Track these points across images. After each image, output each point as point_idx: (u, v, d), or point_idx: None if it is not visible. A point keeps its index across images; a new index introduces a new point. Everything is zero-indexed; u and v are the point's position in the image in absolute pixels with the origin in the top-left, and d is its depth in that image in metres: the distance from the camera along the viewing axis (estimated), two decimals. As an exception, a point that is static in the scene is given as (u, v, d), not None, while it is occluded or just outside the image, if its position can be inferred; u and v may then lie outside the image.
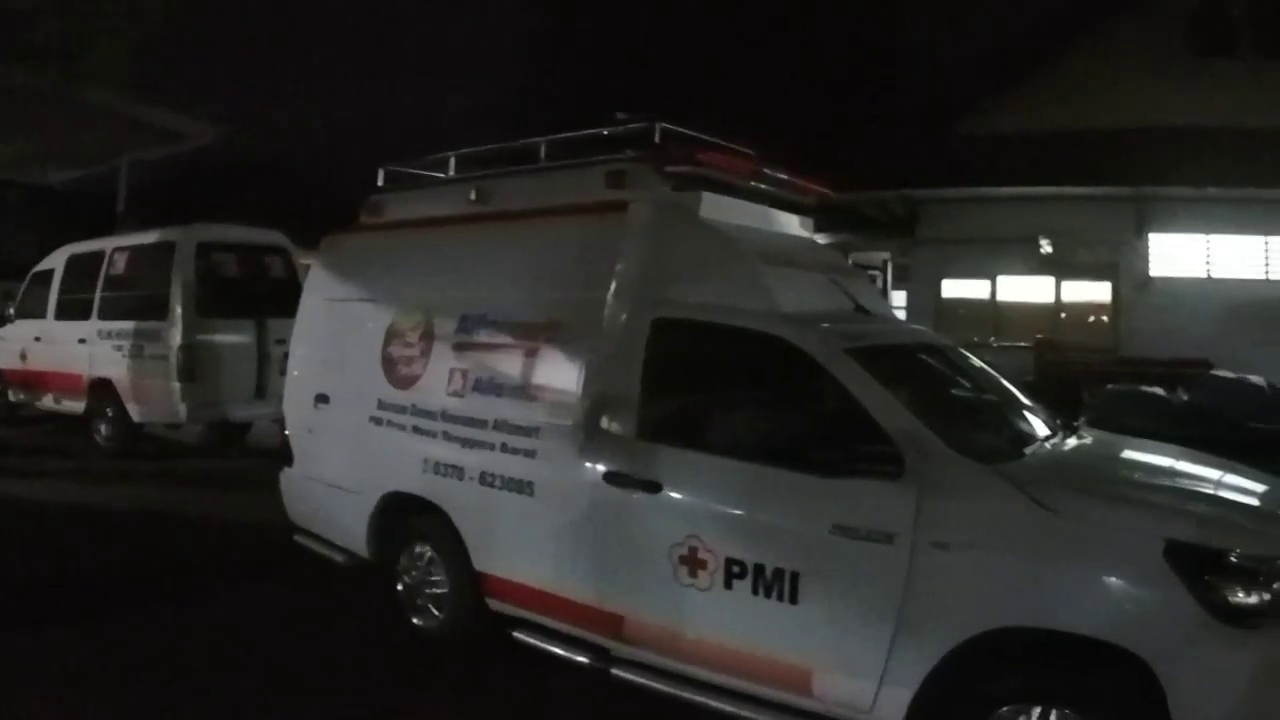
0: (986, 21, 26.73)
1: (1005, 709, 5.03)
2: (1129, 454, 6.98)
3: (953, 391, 7.38)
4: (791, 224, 8.18)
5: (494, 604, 7.18)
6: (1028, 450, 6.18)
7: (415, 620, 7.77)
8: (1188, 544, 4.84)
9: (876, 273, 34.70)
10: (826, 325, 6.28)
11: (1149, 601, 4.81)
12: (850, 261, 32.11)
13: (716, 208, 7.12)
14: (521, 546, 6.92)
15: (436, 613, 7.64)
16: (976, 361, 8.05)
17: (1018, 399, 7.49)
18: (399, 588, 7.90)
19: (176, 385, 14.55)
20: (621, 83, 26.00)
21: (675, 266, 6.73)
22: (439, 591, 7.60)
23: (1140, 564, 4.85)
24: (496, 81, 30.88)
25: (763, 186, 7.64)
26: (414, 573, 7.81)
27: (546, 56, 32.09)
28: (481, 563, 7.18)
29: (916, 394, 6.13)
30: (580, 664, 6.55)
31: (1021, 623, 5.00)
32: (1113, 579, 4.90)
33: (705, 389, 6.65)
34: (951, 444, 5.47)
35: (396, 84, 30.41)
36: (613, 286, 6.73)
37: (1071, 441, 6.76)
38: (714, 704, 5.85)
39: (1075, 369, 19.78)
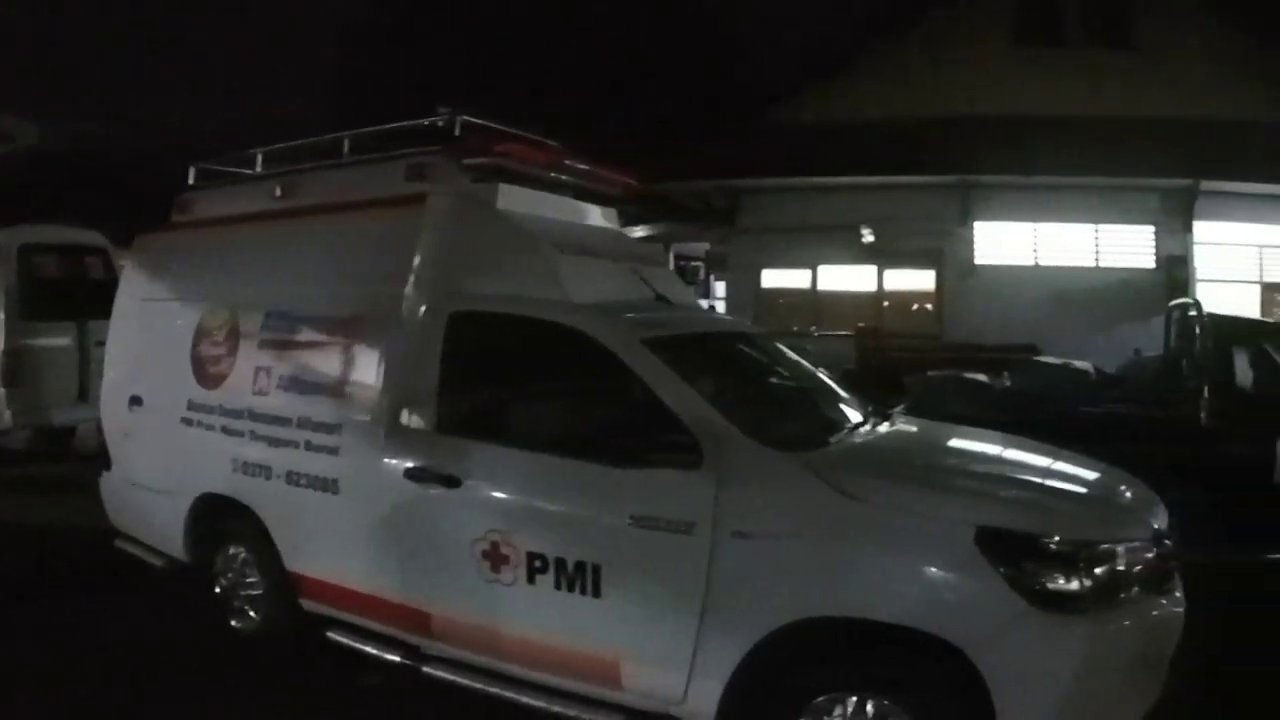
0: (809, 10, 26.97)
1: (821, 698, 5.01)
2: (942, 440, 7.05)
3: (756, 380, 7.39)
4: (593, 214, 8.12)
5: (308, 604, 7.07)
6: (834, 438, 6.15)
7: (234, 623, 7.65)
8: (999, 530, 4.86)
9: (699, 264, 35.02)
10: (621, 315, 6.29)
11: (961, 589, 4.82)
12: (672, 253, 32.40)
13: (515, 199, 7.07)
14: (329, 546, 6.84)
15: (253, 615, 7.53)
16: (785, 350, 8.06)
17: (827, 387, 7.50)
18: (217, 590, 7.76)
19: (0, 391, 14.16)
20: (447, 77, 25.97)
21: (472, 258, 6.69)
22: (254, 593, 7.49)
23: (950, 551, 4.85)
24: (321, 77, 30.67)
25: (563, 177, 7.62)
26: (230, 575, 7.68)
27: (370, 52, 31.92)
28: (293, 563, 7.08)
29: (716, 383, 6.16)
30: (392, 663, 6.48)
31: (829, 612, 4.98)
32: (921, 567, 4.90)
33: (502, 381, 6.65)
34: (750, 432, 5.44)
35: (220, 82, 30.07)
36: (411, 280, 6.68)
37: (883, 428, 6.74)
38: (524, 700, 5.81)
39: (898, 356, 19.84)
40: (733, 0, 30.08)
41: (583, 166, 7.72)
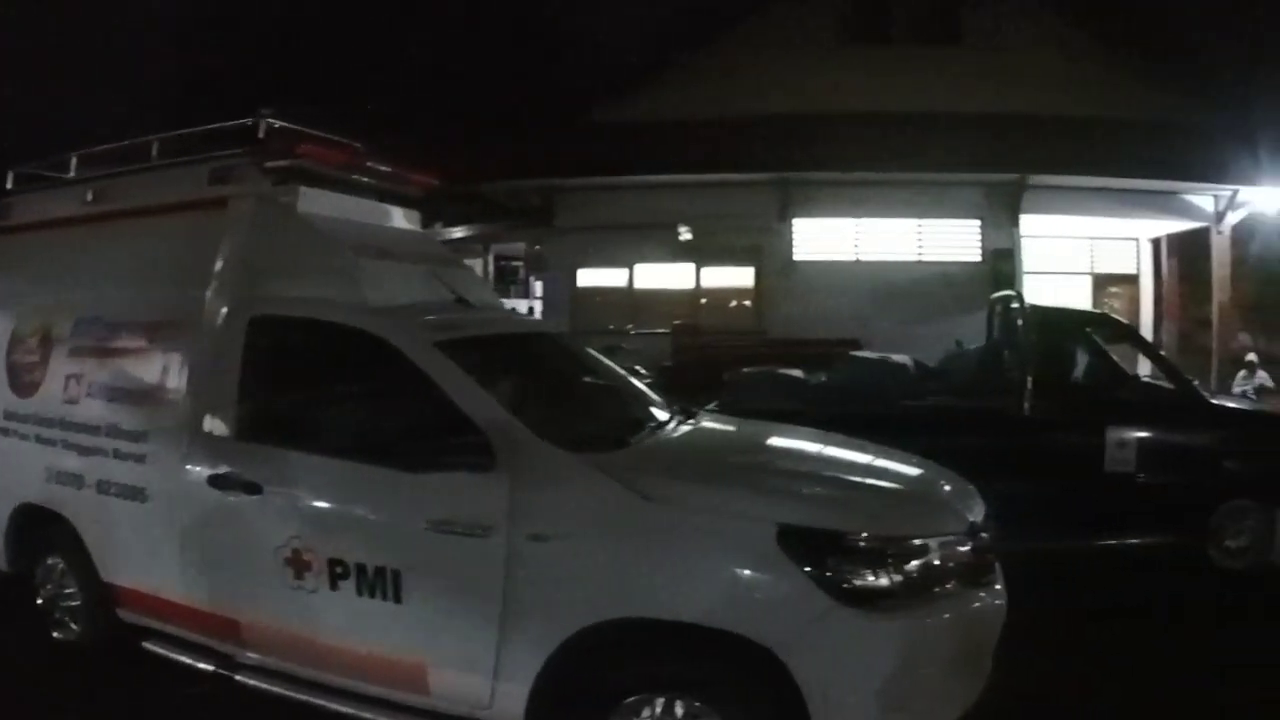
0: (629, 8, 27.33)
1: (631, 699, 5.23)
2: (747, 438, 7.36)
3: (554, 381, 7.62)
4: (396, 216, 8.39)
5: (125, 614, 7.18)
6: (634, 439, 6.39)
7: (55, 634, 7.80)
8: (802, 528, 5.08)
9: (519, 264, 35.34)
10: (416, 318, 6.49)
11: (765, 589, 5.04)
12: (492, 254, 32.54)
13: (317, 201, 7.33)
14: (141, 555, 6.96)
15: (74, 625, 7.68)
16: (587, 350, 8.54)
17: (630, 387, 7.90)
18: (39, 601, 7.89)
19: None
20: (265, 76, 25.96)
21: (272, 262, 6.87)
22: (74, 604, 7.63)
23: (751, 550, 5.07)
24: (143, 75, 30.31)
25: (365, 179, 7.86)
26: (50, 585, 7.84)
27: (185, 51, 31.64)
28: (108, 573, 7.20)
29: (512, 385, 6.45)
30: (206, 672, 6.62)
31: (630, 614, 5.19)
32: (722, 566, 5.12)
33: (300, 386, 6.80)
34: (544, 434, 5.66)
35: (49, 84, 29.60)
36: (213, 284, 6.86)
37: (686, 428, 7.00)
38: (334, 706, 6.01)
39: (716, 353, 20.14)
40: (552, 1, 30.32)
41: (384, 168, 7.96)
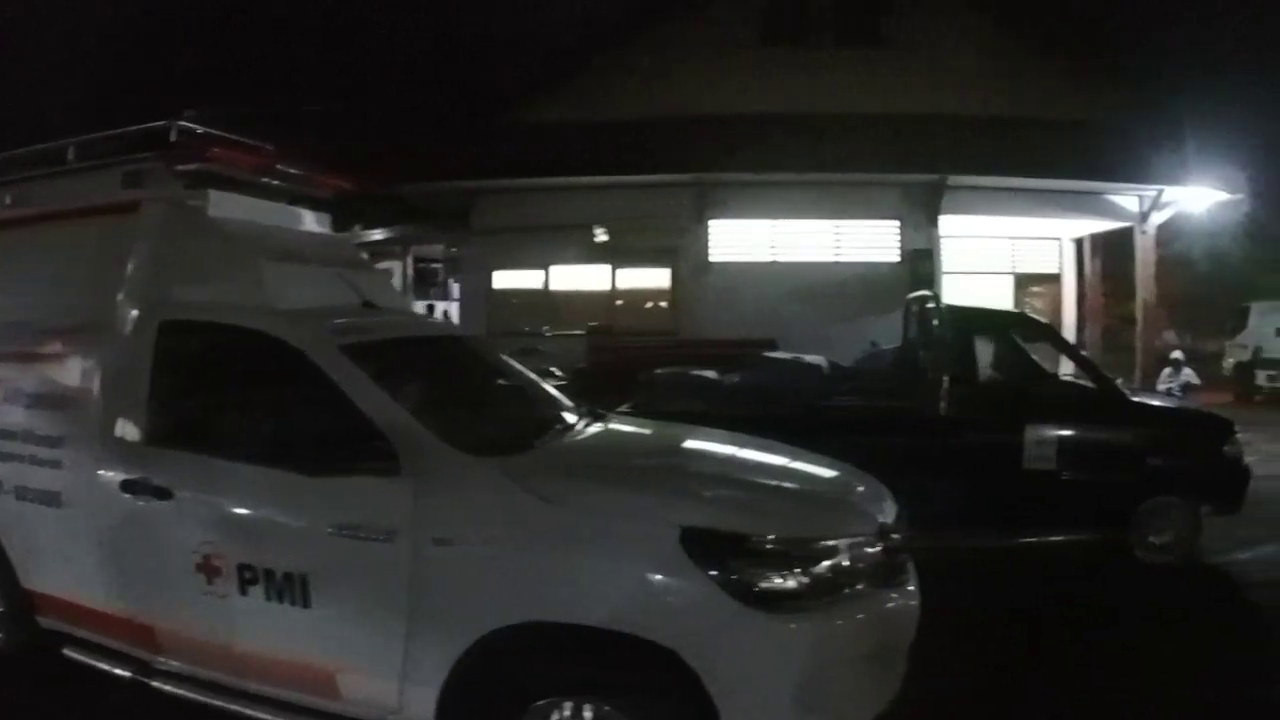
0: (548, 10, 27.50)
1: (540, 703, 5.28)
2: (655, 440, 7.57)
3: (461, 385, 7.77)
4: (307, 219, 8.46)
5: (45, 621, 7.20)
6: (539, 441, 6.51)
7: (-21, 641, 7.75)
8: (706, 530, 5.18)
9: (438, 266, 35.50)
10: (321, 321, 6.55)
11: (669, 592, 5.14)
12: (411, 256, 32.58)
13: (227, 205, 7.41)
14: (58, 561, 7.01)
15: None
16: (496, 353, 8.67)
17: (539, 389, 8.08)
18: None
19: None
20: (184, 78, 26.01)
21: (182, 266, 6.98)
22: None
23: (654, 553, 5.16)
24: (70, 80, 30.20)
25: (276, 182, 7.93)
26: (-29, 594, 7.86)
27: (114, 55, 31.53)
28: (27, 579, 7.24)
29: (418, 389, 6.60)
30: (124, 678, 6.65)
31: (535, 618, 5.27)
32: (625, 570, 5.23)
33: (209, 390, 6.86)
34: (447, 438, 5.77)
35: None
36: (125, 288, 6.96)
37: (594, 430, 7.17)
38: (249, 712, 6.07)
39: (631, 355, 20.13)
40: (469, 2, 30.42)
41: (294, 171, 8.01)
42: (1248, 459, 12.84)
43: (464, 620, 5.37)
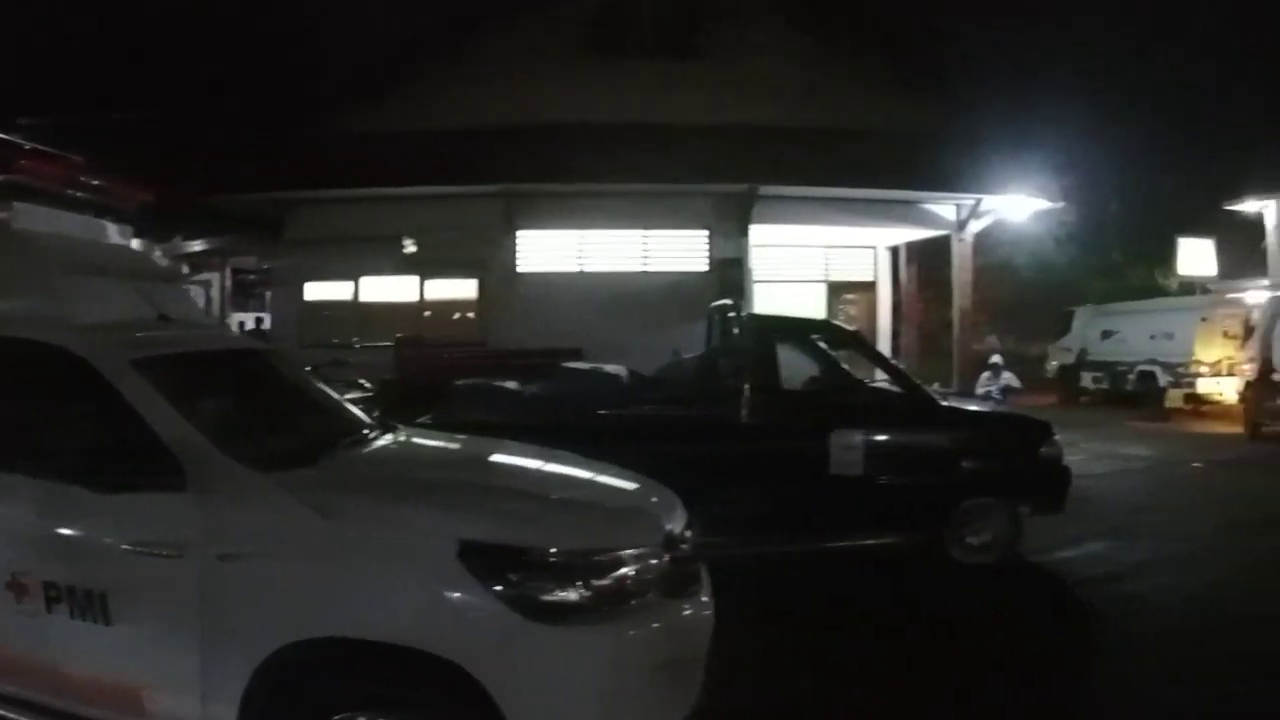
0: (364, 20, 28.23)
1: (337, 718, 5.35)
2: (444, 452, 7.80)
3: (253, 398, 7.79)
4: (110, 231, 8.88)
5: None
6: (326, 455, 6.52)
7: None
8: (485, 544, 5.32)
9: (254, 277, 36.23)
10: (113, 335, 6.51)
11: (451, 606, 5.26)
12: (229, 267, 33.43)
13: (32, 217, 7.74)
14: None
15: None
16: (292, 366, 8.94)
17: (332, 402, 8.25)
18: None
19: None
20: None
21: None
22: None
23: (434, 567, 5.28)
24: None
25: (80, 194, 8.40)
26: None
27: None
28: None
29: (208, 404, 6.66)
30: None
31: (322, 633, 5.35)
32: (406, 584, 5.33)
33: (6, 405, 6.71)
34: (232, 453, 5.81)
35: None
36: None
37: (384, 442, 7.31)
38: None
39: (439, 365, 20.79)
40: (293, 9, 31.01)
41: (98, 182, 8.64)
42: (1073, 459, 13.62)
43: (254, 636, 5.43)
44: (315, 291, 28.40)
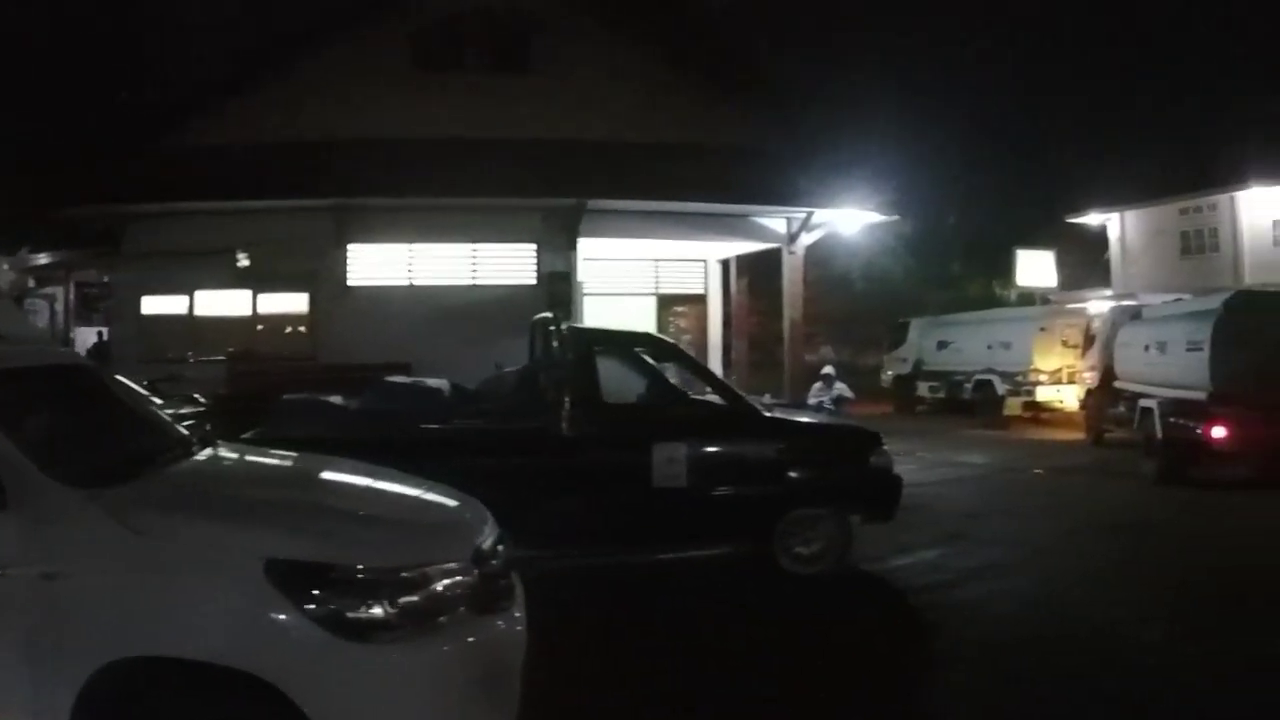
0: (204, 32, 29.01)
1: None
2: (260, 468, 7.94)
3: (75, 415, 7.74)
4: None
5: None
6: (144, 472, 6.54)
7: None
8: (291, 561, 5.43)
9: (95, 290, 36.79)
10: None
11: (261, 624, 5.35)
12: (73, 281, 34.97)
13: None
14: None
15: None
16: (118, 380, 9.19)
17: (154, 417, 8.51)
18: None
19: None
20: None
21: None
22: None
23: (242, 584, 5.37)
24: None
25: None
26: None
27: None
28: None
29: (27, 420, 6.48)
30: None
31: (142, 652, 5.39)
32: (215, 602, 5.39)
33: None
34: (51, 471, 5.76)
35: None
36: None
37: (202, 458, 7.38)
38: None
39: (270, 380, 21.11)
40: (132, 24, 32.04)
41: None
42: (909, 467, 14.56)
43: (76, 655, 5.42)
44: (152, 306, 28.77)
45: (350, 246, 28.53)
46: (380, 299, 28.10)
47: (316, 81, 28.15)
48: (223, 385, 23.46)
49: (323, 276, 28.31)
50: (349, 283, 28.52)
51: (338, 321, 27.72)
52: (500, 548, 6.57)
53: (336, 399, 14.33)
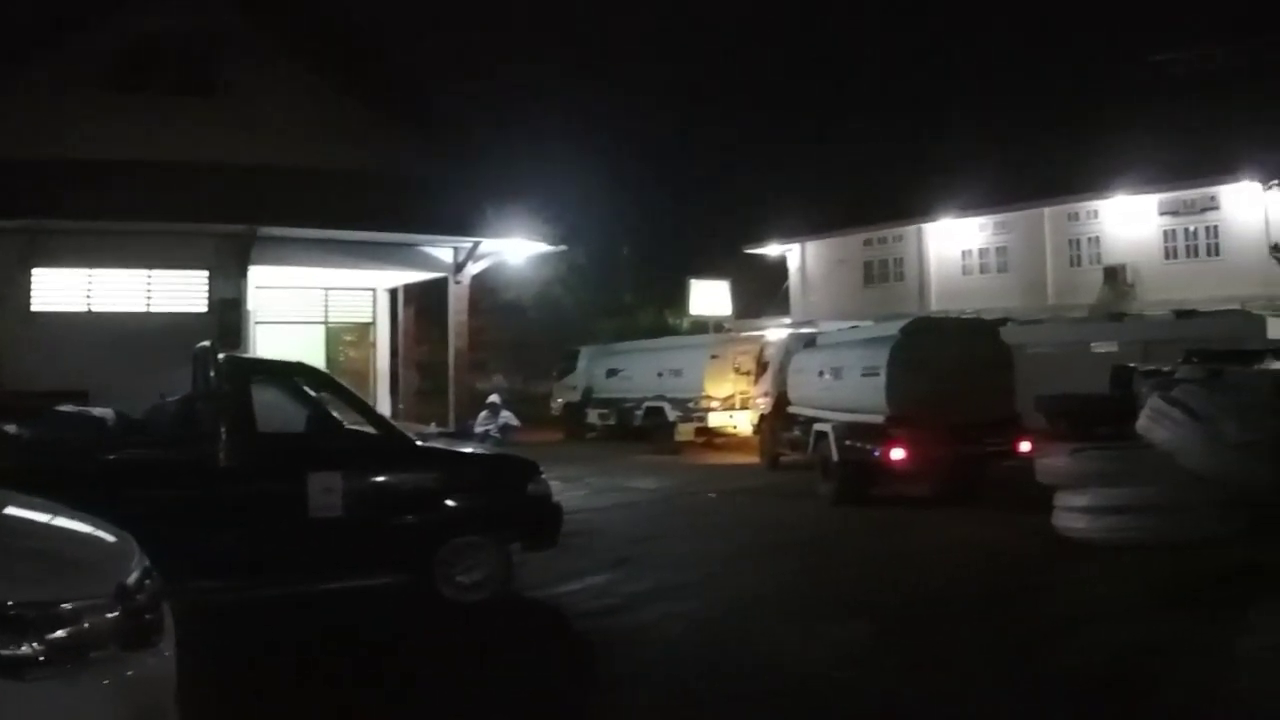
0: None
1: None
2: None
3: None
4: None
5: None
6: None
7: None
8: None
9: None
10: None
11: None
12: None
13: None
14: None
15: None
16: None
17: None
18: None
19: None
20: None
21: None
22: None
23: None
24: None
25: None
26: None
27: None
28: None
29: None
30: None
31: None
32: None
33: None
34: None
35: None
36: None
37: None
38: None
39: None
40: None
41: None
42: (577, 493, 16.33)
43: None
44: None
45: (35, 271, 29.59)
46: (62, 325, 29.10)
47: (4, 103, 29.19)
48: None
49: (8, 301, 28.96)
50: (32, 308, 29.41)
51: (21, 347, 28.22)
52: (148, 582, 6.60)
53: (10, 427, 14.28)
